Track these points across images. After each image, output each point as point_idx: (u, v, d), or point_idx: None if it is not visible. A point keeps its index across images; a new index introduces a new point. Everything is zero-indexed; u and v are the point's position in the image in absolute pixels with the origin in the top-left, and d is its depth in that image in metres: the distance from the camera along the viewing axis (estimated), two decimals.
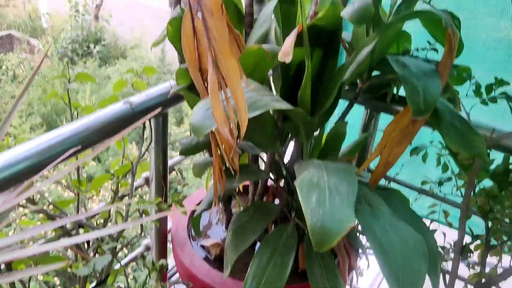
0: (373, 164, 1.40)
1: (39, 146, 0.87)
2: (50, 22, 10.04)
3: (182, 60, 1.09)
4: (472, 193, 1.15)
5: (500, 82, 1.04)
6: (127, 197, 1.08)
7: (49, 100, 7.04)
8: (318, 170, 0.83)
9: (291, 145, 1.23)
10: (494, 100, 1.05)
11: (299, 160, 1.09)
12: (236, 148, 0.87)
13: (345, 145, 1.21)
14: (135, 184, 1.18)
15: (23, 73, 7.89)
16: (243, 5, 1.19)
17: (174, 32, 0.99)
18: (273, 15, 1.15)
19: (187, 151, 1.01)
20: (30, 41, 9.66)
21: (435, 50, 1.07)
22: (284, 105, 0.84)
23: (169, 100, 1.09)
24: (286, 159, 1.22)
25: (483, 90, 1.06)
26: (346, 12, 0.83)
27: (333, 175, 0.82)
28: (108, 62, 8.78)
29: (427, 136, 1.38)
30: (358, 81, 1.14)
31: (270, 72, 1.13)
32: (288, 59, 0.83)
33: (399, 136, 0.96)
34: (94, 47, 8.92)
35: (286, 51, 0.85)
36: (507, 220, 1.13)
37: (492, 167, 1.14)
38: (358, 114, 1.40)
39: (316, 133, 1.12)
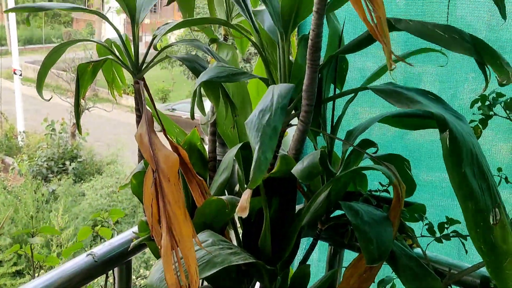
0: None
1: None
2: (26, 141, 10.16)
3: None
4: None
5: (451, 221, 1.09)
6: None
7: (20, 220, 6.89)
8: None
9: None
10: (447, 238, 1.09)
11: None
12: None
13: (312, 281, 1.21)
14: None
15: None
16: (206, 151, 1.26)
17: (138, 186, 1.03)
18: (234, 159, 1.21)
19: None
20: (5, 160, 9.70)
21: (387, 191, 1.13)
22: (242, 259, 0.87)
23: (132, 249, 1.09)
24: None
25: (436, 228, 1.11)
26: (295, 170, 0.89)
27: None
28: (84, 179, 8.80)
29: None
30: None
31: None
32: (244, 215, 0.86)
33: (359, 281, 0.98)
34: (70, 164, 8.97)
35: (243, 206, 0.89)
36: None
37: None
38: (324, 246, 1.42)
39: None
